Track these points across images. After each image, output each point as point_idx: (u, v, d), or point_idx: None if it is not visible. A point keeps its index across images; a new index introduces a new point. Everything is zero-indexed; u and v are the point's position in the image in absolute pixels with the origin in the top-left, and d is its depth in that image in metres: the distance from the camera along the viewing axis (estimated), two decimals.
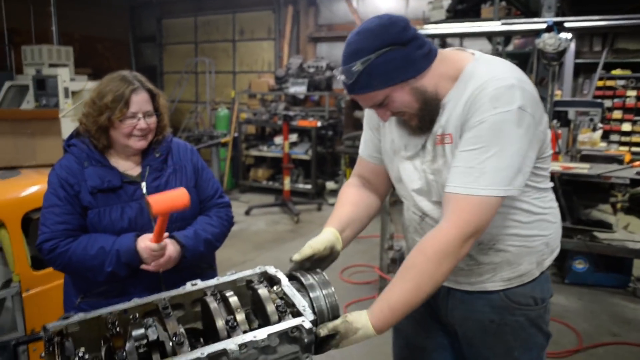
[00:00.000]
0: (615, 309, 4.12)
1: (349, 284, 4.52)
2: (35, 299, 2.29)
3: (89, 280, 1.77)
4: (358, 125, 7.63)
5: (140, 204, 1.79)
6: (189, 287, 1.29)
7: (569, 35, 4.50)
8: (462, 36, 7.92)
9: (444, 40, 8.47)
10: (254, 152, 8.52)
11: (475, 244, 1.37)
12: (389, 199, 4.08)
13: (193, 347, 1.11)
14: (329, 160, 8.25)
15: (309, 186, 7.80)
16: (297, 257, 1.42)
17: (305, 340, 1.14)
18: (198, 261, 1.88)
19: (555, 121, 4.94)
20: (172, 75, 12.01)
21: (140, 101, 1.76)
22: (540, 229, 1.48)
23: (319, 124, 7.68)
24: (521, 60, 6.68)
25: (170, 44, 12.26)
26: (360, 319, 1.27)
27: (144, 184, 1.81)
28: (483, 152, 1.27)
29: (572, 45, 6.95)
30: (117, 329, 1.14)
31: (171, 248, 1.75)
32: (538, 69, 4.90)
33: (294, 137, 7.99)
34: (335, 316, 1.27)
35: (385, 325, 1.28)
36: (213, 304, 1.19)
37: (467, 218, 1.27)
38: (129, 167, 1.84)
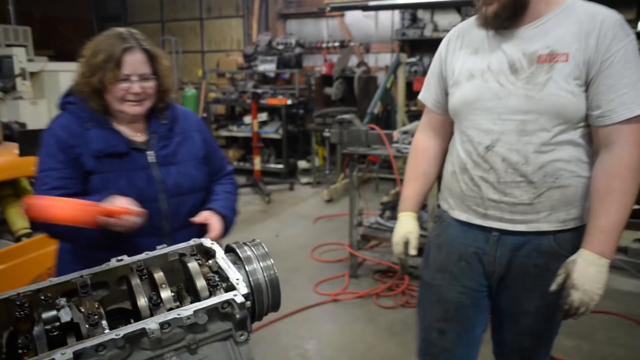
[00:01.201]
0: None
1: (319, 262, 4.44)
2: None
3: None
4: (328, 102, 7.51)
5: (146, 174, 1.65)
6: (113, 262, 1.17)
7: None
8: (432, 7, 7.82)
9: (414, 14, 8.37)
10: (224, 133, 8.32)
11: (540, 175, 1.49)
12: (356, 175, 3.98)
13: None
14: (301, 139, 8.12)
15: (280, 166, 7.67)
16: (414, 252, 1.76)
17: (238, 316, 1.03)
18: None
19: None
20: None
21: (134, 62, 1.58)
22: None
23: (289, 102, 7.52)
24: None
25: (136, 23, 11.83)
26: (583, 262, 1.43)
27: (151, 153, 1.67)
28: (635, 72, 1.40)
29: None
30: (25, 311, 1.02)
31: (216, 223, 1.69)
32: None
33: (263, 116, 7.82)
34: (275, 289, 1.17)
35: (608, 248, 1.43)
36: (135, 280, 1.07)
37: None
38: (133, 134, 1.69)
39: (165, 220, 1.68)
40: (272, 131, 7.72)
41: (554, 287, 1.50)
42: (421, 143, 1.85)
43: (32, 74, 6.97)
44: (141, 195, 1.60)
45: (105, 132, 1.62)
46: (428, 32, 8.02)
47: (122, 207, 1.47)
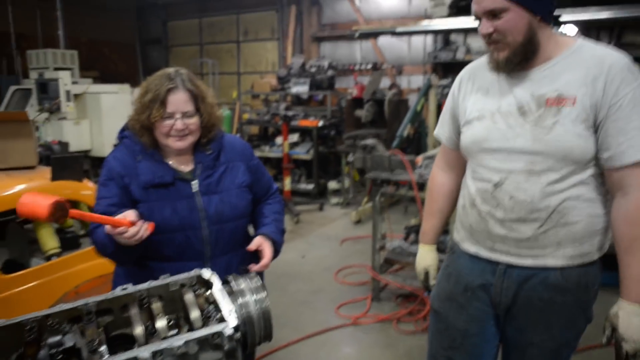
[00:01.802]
0: None
1: (343, 284, 4.46)
2: (6, 302, 2.28)
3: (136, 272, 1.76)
4: (358, 124, 7.57)
5: (189, 202, 1.75)
6: (118, 291, 1.24)
7: (567, 29, 4.39)
8: (464, 31, 7.81)
9: (447, 36, 8.39)
10: (257, 153, 8.41)
11: (547, 213, 1.51)
12: (379, 200, 4.01)
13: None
14: (332, 160, 8.19)
15: (310, 186, 7.74)
16: (434, 282, 1.89)
17: (226, 347, 1.09)
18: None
19: None
20: None
21: (177, 101, 1.70)
22: (604, 211, 1.54)
23: (320, 123, 7.62)
24: None
25: (176, 46, 12.32)
26: (625, 314, 1.46)
27: (195, 182, 1.78)
28: None
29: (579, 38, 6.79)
30: (34, 335, 1.10)
31: (268, 249, 1.79)
32: None
33: (295, 137, 7.95)
34: (267, 321, 1.22)
35: None
36: (133, 310, 1.15)
37: None
38: (180, 165, 1.81)
39: (207, 245, 1.78)
40: (304, 152, 7.82)
41: (604, 341, 1.53)
42: (437, 179, 1.93)
43: (76, 95, 7.31)
44: (184, 222, 1.73)
45: (154, 164, 1.74)
46: (460, 55, 8.00)
47: (122, 219, 1.56)
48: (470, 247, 1.71)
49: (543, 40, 1.50)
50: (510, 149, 1.54)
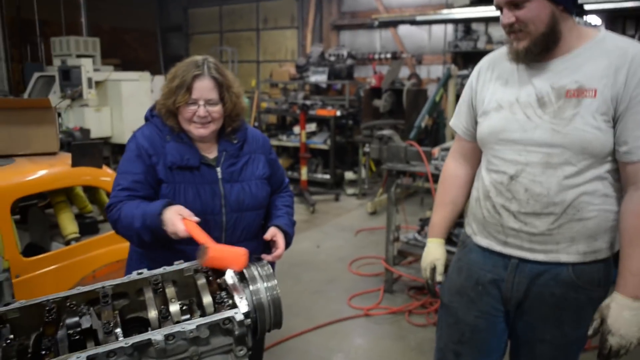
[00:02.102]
0: None
1: (356, 275, 4.48)
2: (26, 285, 2.35)
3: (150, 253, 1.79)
4: (376, 114, 7.54)
5: (212, 188, 1.78)
6: (133, 275, 1.28)
7: (591, 20, 4.30)
8: (485, 20, 7.70)
9: (468, 25, 8.28)
10: (274, 142, 8.50)
11: (563, 207, 1.49)
12: (394, 191, 4.01)
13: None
14: (349, 150, 8.19)
15: (327, 176, 7.76)
16: (440, 278, 1.83)
17: (237, 332, 1.12)
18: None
19: None
20: None
21: (202, 88, 1.73)
22: (619, 208, 1.52)
23: (338, 113, 7.61)
24: None
25: (196, 34, 12.38)
26: (616, 306, 1.44)
27: (219, 169, 1.81)
28: None
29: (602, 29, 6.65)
30: (53, 316, 1.15)
31: (281, 240, 1.82)
32: None
33: (312, 127, 7.95)
34: (277, 308, 1.24)
35: (637, 290, 1.43)
36: (148, 294, 1.18)
37: None
38: (206, 149, 1.84)
39: (223, 232, 1.82)
40: (321, 142, 7.83)
41: (590, 332, 1.51)
42: (451, 170, 1.88)
43: (97, 82, 7.41)
44: (205, 207, 1.76)
45: (182, 146, 1.78)
46: (481, 44, 7.91)
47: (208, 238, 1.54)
48: (482, 241, 1.70)
49: (565, 31, 1.47)
50: (528, 140, 1.52)
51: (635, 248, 1.44)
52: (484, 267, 1.70)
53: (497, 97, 1.61)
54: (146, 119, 1.87)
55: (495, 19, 7.11)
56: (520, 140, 1.54)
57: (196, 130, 1.76)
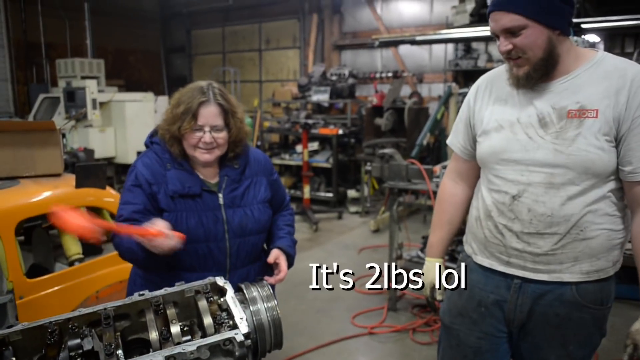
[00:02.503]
0: None
1: (359, 293, 4.46)
2: (30, 306, 2.36)
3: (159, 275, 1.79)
4: (378, 132, 7.58)
5: (215, 214, 1.78)
6: (135, 297, 1.29)
7: (589, 38, 4.35)
8: (485, 39, 7.78)
9: (468, 44, 8.36)
10: (277, 161, 8.56)
11: (566, 227, 1.49)
12: (396, 209, 4.02)
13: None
14: (351, 168, 8.21)
15: (330, 194, 7.77)
16: (440, 297, 1.82)
17: (237, 353, 1.12)
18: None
19: None
20: None
21: (207, 115, 1.73)
22: (622, 226, 1.53)
23: (340, 131, 7.65)
24: None
25: (199, 54, 12.53)
26: None
27: (220, 195, 1.80)
28: None
29: (601, 47, 6.72)
30: (55, 338, 1.16)
31: (283, 263, 1.85)
32: None
33: (315, 145, 8.00)
34: (277, 329, 1.25)
35: None
36: (149, 315, 1.19)
37: None
38: (208, 175, 1.84)
39: (228, 258, 1.81)
40: (323, 160, 7.86)
41: (625, 359, 1.51)
42: (447, 189, 1.87)
43: (102, 103, 7.50)
44: (208, 234, 1.76)
45: (183, 174, 1.77)
46: (482, 63, 7.98)
47: (156, 230, 1.58)
48: (484, 261, 1.69)
49: (563, 54, 1.48)
50: (530, 160, 1.52)
51: None
52: (485, 288, 1.69)
53: (496, 116, 1.61)
54: (146, 145, 1.87)
55: (491, 38, 7.21)
56: (522, 160, 1.54)
57: (201, 156, 1.75)
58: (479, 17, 6.95)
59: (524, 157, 1.53)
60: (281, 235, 1.95)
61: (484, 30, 5.93)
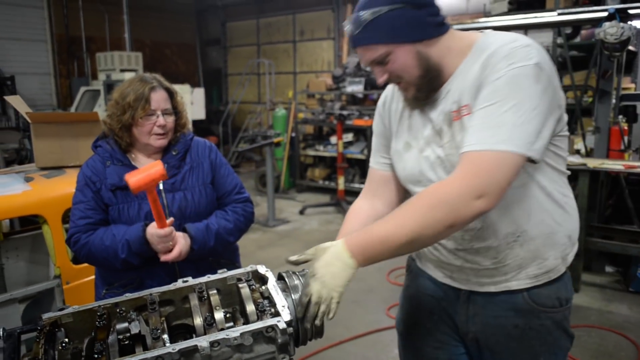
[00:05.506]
0: None
1: (395, 285, 4.45)
2: (75, 291, 2.44)
3: (111, 273, 1.89)
4: None
5: None
6: (179, 283, 1.32)
7: (636, 23, 4.18)
8: (524, 28, 7.57)
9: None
10: (311, 152, 8.59)
11: (499, 237, 1.36)
12: None
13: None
14: None
15: (364, 185, 7.73)
16: (293, 259, 1.36)
17: (280, 340, 1.13)
18: (211, 255, 1.94)
19: (620, 116, 4.60)
20: (235, 77, 12.39)
21: (158, 99, 1.85)
22: (563, 218, 1.40)
23: None
24: (586, 51, 6.27)
25: (234, 47, 12.63)
26: (333, 243, 1.28)
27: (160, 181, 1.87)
28: (499, 106, 1.19)
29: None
30: (104, 321, 1.19)
31: (182, 241, 1.81)
32: (601, 61, 4.55)
33: (349, 137, 7.98)
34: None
35: (358, 248, 1.26)
36: (194, 301, 1.21)
37: (477, 173, 1.17)
38: None
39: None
40: (358, 151, 7.84)
41: None
42: (356, 204, 1.71)
43: None
44: (150, 219, 1.80)
45: (121, 168, 1.86)
46: None
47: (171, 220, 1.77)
48: (428, 270, 1.58)
49: (442, 57, 1.34)
50: (439, 177, 1.39)
51: (386, 217, 1.28)
52: (435, 295, 1.57)
53: (404, 136, 1.50)
54: (92, 150, 1.96)
55: (534, 26, 7.01)
56: (432, 179, 1.41)
57: (156, 142, 1.87)
58: (517, 5, 6.77)
59: (436, 175, 1.41)
60: (202, 221, 1.92)
61: (523, 18, 5.77)
